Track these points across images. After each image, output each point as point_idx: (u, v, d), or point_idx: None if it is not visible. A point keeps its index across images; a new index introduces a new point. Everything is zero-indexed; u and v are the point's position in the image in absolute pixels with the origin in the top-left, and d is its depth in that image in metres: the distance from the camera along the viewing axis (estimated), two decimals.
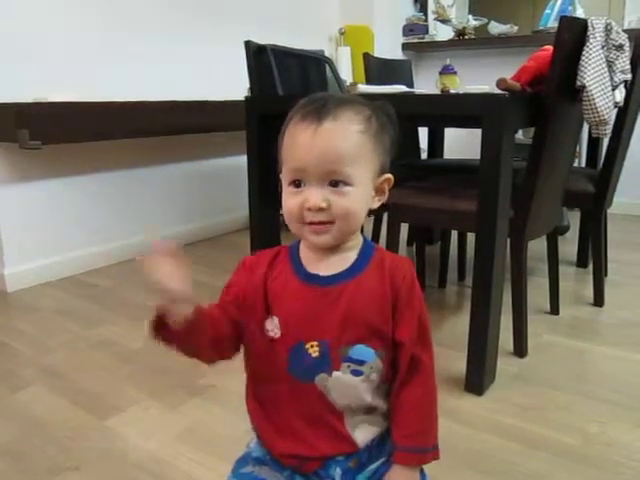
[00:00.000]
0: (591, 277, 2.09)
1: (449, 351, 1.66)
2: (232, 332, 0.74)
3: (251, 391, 0.79)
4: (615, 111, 1.66)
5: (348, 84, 2.82)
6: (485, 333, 1.43)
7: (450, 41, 3.91)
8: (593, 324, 1.95)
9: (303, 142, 0.67)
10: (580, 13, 3.14)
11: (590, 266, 2.20)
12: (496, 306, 1.46)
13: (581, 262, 2.51)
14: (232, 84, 2.63)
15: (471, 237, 1.55)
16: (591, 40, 1.45)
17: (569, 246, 2.67)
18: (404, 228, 1.95)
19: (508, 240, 1.52)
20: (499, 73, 1.53)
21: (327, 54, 3.15)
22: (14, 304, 2.15)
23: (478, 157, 1.37)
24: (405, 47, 4.07)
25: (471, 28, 3.81)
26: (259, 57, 1.99)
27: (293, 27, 3.37)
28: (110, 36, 2.50)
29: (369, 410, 0.73)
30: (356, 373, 0.70)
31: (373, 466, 0.75)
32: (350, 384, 0.71)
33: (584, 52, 1.46)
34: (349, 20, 3.76)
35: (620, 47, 1.52)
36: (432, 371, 0.74)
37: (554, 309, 1.99)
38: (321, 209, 0.66)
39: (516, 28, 3.68)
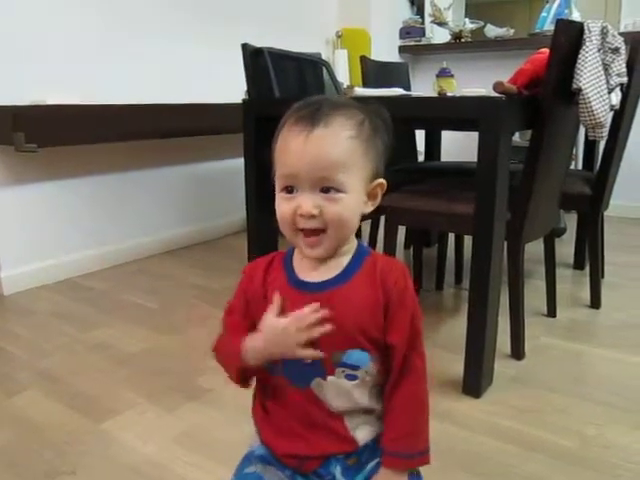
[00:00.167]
0: (588, 279, 2.09)
1: (446, 354, 1.66)
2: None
3: (257, 393, 0.80)
4: (611, 114, 1.66)
5: (345, 87, 2.82)
6: (482, 336, 1.43)
7: (447, 44, 3.91)
8: (590, 326, 1.96)
9: (295, 148, 0.67)
10: (576, 16, 3.15)
11: (587, 268, 2.20)
12: (493, 308, 1.46)
13: (578, 264, 2.52)
14: (230, 87, 2.63)
15: (468, 240, 1.56)
16: (587, 43, 1.46)
17: (566, 248, 2.68)
18: (401, 231, 1.95)
19: (505, 243, 1.52)
20: (496, 76, 1.54)
21: (324, 57, 3.15)
22: (10, 307, 2.14)
23: (475, 160, 1.37)
24: (402, 50, 4.08)
25: (468, 31, 3.81)
26: (256, 60, 1.99)
27: (290, 30, 3.38)
28: (108, 38, 2.50)
29: (367, 411, 0.74)
30: (351, 378, 0.71)
31: (372, 464, 0.75)
32: (345, 388, 0.71)
33: (580, 55, 1.46)
34: (346, 23, 3.76)
35: (616, 50, 1.53)
36: (424, 375, 0.74)
37: (551, 311, 1.99)
38: (313, 216, 0.66)
39: (512, 31, 3.69)
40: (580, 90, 1.45)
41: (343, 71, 3.51)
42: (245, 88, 2.02)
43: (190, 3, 2.86)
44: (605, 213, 2.20)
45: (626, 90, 1.74)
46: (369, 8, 3.80)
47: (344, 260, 0.72)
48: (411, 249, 2.49)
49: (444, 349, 1.70)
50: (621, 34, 1.59)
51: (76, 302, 2.18)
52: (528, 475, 1.17)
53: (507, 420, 1.36)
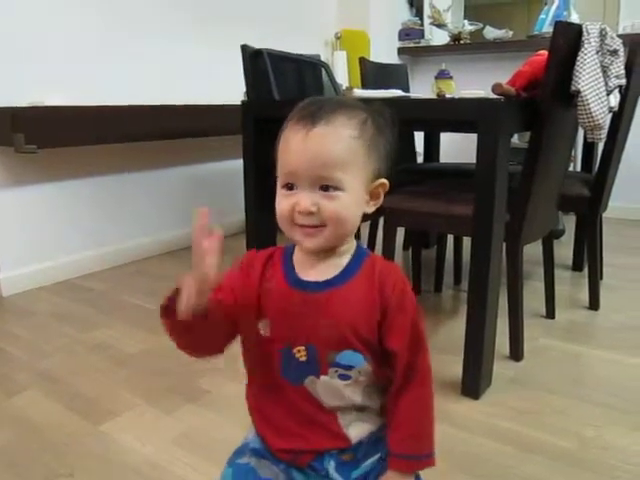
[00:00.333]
0: (586, 281, 2.09)
1: (445, 355, 1.66)
2: (226, 328, 0.75)
3: (249, 388, 0.80)
4: (610, 116, 1.67)
5: (344, 88, 2.82)
6: (481, 337, 1.43)
7: (446, 46, 3.92)
8: (589, 328, 1.96)
9: (295, 146, 0.67)
10: (575, 18, 3.16)
11: (585, 270, 2.20)
12: (492, 310, 1.46)
13: (576, 266, 2.52)
14: (229, 88, 2.64)
15: (467, 241, 1.56)
16: (586, 45, 1.46)
17: (565, 250, 2.68)
18: (400, 232, 1.95)
19: (504, 244, 1.52)
20: (494, 78, 1.54)
21: (323, 58, 3.15)
22: (9, 308, 2.14)
23: (474, 161, 1.38)
24: (401, 52, 4.08)
25: (466, 33, 3.82)
26: (255, 61, 1.99)
27: (289, 31, 3.38)
28: (108, 39, 2.50)
29: (361, 409, 0.74)
30: (344, 377, 0.71)
31: (368, 462, 0.75)
32: (337, 387, 0.72)
33: (579, 57, 1.46)
34: (345, 24, 3.77)
35: (615, 52, 1.53)
36: (428, 377, 0.74)
37: (550, 313, 1.99)
38: (311, 213, 0.66)
39: (511, 33, 3.70)
40: (579, 92, 1.46)
41: (342, 72, 3.52)
42: (244, 89, 2.03)
43: (190, 4, 2.86)
44: (604, 215, 2.20)
45: (625, 92, 1.74)
46: (368, 10, 3.80)
47: (343, 260, 0.72)
48: (410, 250, 2.49)
49: (443, 350, 1.70)
50: (619, 36, 1.60)
51: (75, 303, 2.18)
52: (527, 476, 1.17)
53: (506, 421, 1.37)
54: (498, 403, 1.45)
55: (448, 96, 1.89)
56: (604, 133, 1.57)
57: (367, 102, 0.74)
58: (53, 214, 2.41)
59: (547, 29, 3.32)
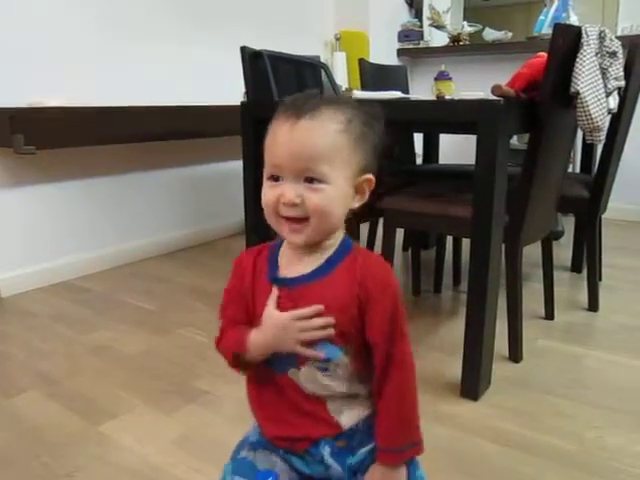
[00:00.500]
0: (585, 282, 2.09)
1: (444, 356, 1.66)
2: None
3: (248, 380, 0.81)
4: (609, 117, 1.67)
5: (343, 90, 2.83)
6: (480, 338, 1.44)
7: (445, 47, 3.92)
8: (588, 329, 1.96)
9: (280, 139, 0.68)
10: (574, 20, 3.16)
11: (584, 271, 2.20)
12: (491, 311, 1.46)
13: (575, 267, 2.52)
14: (228, 89, 2.64)
15: (466, 242, 1.56)
16: (585, 47, 1.46)
17: (564, 251, 2.68)
18: (399, 233, 1.96)
19: (503, 245, 1.52)
20: (494, 79, 1.54)
21: (322, 59, 3.15)
22: (8, 309, 2.14)
23: (473, 162, 1.38)
24: (400, 53, 4.09)
25: (466, 34, 3.82)
26: (255, 62, 1.99)
27: (289, 32, 3.38)
28: (108, 40, 2.50)
29: (350, 396, 0.75)
30: (322, 369, 0.72)
31: (364, 450, 0.76)
32: (318, 378, 0.73)
33: (578, 59, 1.47)
34: (344, 26, 3.77)
35: (614, 54, 1.54)
36: (408, 367, 0.74)
37: (549, 314, 1.99)
38: (295, 204, 0.67)
39: (510, 34, 3.70)
40: (578, 94, 1.46)
41: (342, 74, 3.52)
42: (244, 90, 2.03)
43: (189, 6, 2.86)
44: (603, 216, 2.20)
45: (623, 94, 1.75)
46: (368, 11, 3.80)
47: (325, 255, 0.73)
48: (409, 251, 2.49)
49: (442, 352, 1.70)
50: (618, 37, 1.60)
51: (74, 304, 2.17)
52: (526, 478, 1.17)
53: (505, 423, 1.37)
54: (497, 404, 1.45)
55: (447, 97, 1.89)
56: (603, 135, 1.57)
57: (361, 102, 0.75)
58: (52, 215, 2.41)
59: (546, 31, 3.32)
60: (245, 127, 1.84)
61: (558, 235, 3.01)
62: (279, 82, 2.02)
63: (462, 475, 1.18)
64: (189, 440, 1.30)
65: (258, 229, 1.86)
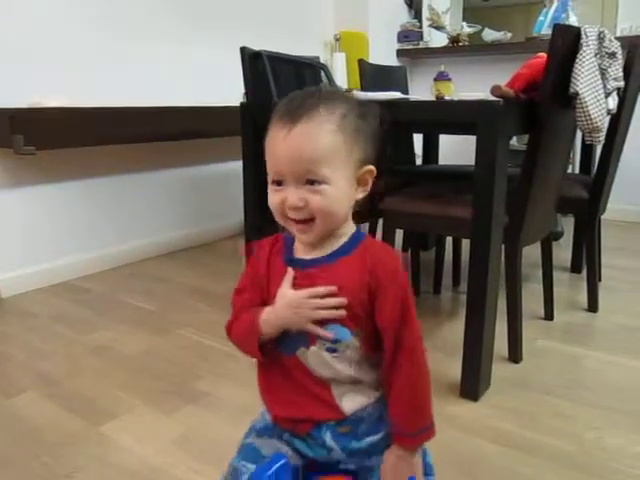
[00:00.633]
0: (585, 283, 2.10)
1: (444, 357, 1.66)
2: None
3: (259, 363, 0.83)
4: (608, 118, 1.67)
5: (343, 90, 2.82)
6: (480, 339, 1.44)
7: (444, 48, 3.93)
8: (587, 329, 1.96)
9: (278, 146, 0.70)
10: (573, 21, 3.16)
11: (584, 272, 2.20)
12: (491, 312, 1.46)
13: (575, 268, 2.52)
14: (228, 90, 2.64)
15: (466, 243, 1.56)
16: (584, 48, 1.47)
17: (563, 252, 2.68)
18: (399, 234, 1.96)
19: (503, 246, 1.52)
20: (493, 80, 1.54)
21: (322, 60, 3.15)
22: (8, 310, 2.14)
23: (473, 163, 1.38)
24: (400, 53, 4.09)
25: (465, 35, 3.83)
26: (254, 63, 1.99)
27: (288, 33, 3.39)
28: (107, 41, 2.50)
29: (354, 381, 0.77)
30: (330, 350, 0.74)
31: (371, 438, 0.78)
32: (326, 359, 0.75)
33: (577, 60, 1.47)
34: (344, 26, 3.77)
35: (613, 55, 1.54)
36: (420, 352, 0.75)
37: (548, 315, 1.99)
38: (299, 207, 0.70)
39: (510, 35, 3.70)
40: (577, 94, 1.46)
41: (341, 74, 3.52)
42: (243, 91, 2.03)
43: (189, 7, 2.86)
44: (602, 217, 2.20)
45: (623, 94, 1.75)
46: (367, 11, 3.80)
47: (339, 242, 0.76)
48: (409, 252, 2.49)
49: (442, 352, 1.70)
50: (618, 38, 1.60)
51: (74, 304, 2.17)
52: (526, 478, 1.17)
53: (505, 423, 1.37)
54: (497, 405, 1.45)
55: (447, 98, 1.90)
56: (602, 135, 1.58)
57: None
58: (52, 215, 2.41)
59: (546, 31, 3.32)
60: (245, 128, 1.84)
61: (558, 236, 3.01)
62: (278, 83, 2.02)
63: (462, 475, 1.18)
64: (189, 440, 1.30)
65: (258, 229, 1.86)
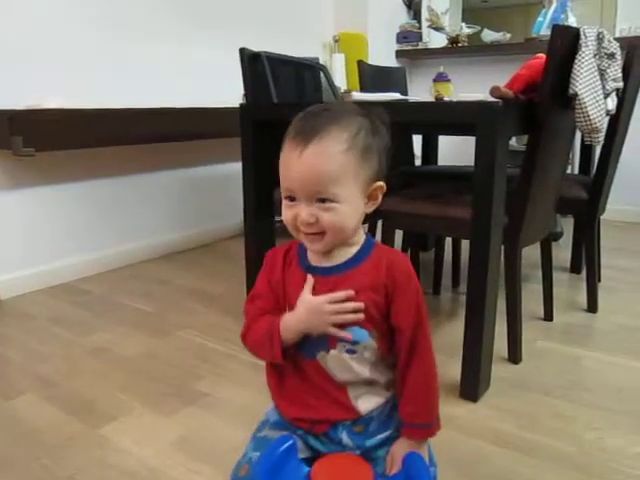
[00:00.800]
0: (584, 283, 2.09)
1: (444, 358, 1.65)
2: None
3: (269, 365, 0.86)
4: (607, 119, 1.67)
5: (342, 91, 2.83)
6: (480, 340, 1.44)
7: (444, 48, 3.93)
8: (587, 330, 1.96)
9: (291, 165, 0.73)
10: (572, 21, 3.17)
11: (584, 272, 2.20)
12: (490, 313, 1.46)
13: (575, 268, 2.52)
14: (227, 91, 2.64)
15: (465, 243, 1.56)
16: (583, 48, 1.47)
17: (563, 252, 2.68)
18: (398, 235, 1.96)
19: (502, 247, 1.52)
20: (492, 80, 1.55)
21: (321, 61, 3.16)
22: (7, 311, 2.13)
23: (472, 164, 1.38)
24: (399, 54, 4.09)
25: (464, 36, 3.83)
26: (254, 64, 1.99)
27: (288, 34, 3.39)
28: (106, 42, 2.50)
29: (370, 383, 0.81)
30: (350, 352, 0.78)
31: (381, 435, 0.82)
32: (345, 361, 0.79)
33: (576, 60, 1.47)
34: (343, 27, 3.77)
35: (612, 55, 1.54)
36: (430, 351, 0.81)
37: (548, 315, 1.99)
38: (310, 224, 0.74)
39: (509, 36, 3.71)
40: (576, 95, 1.46)
41: (340, 75, 3.52)
42: (243, 92, 2.03)
43: (188, 7, 2.86)
44: (601, 217, 2.21)
45: (622, 95, 1.75)
46: (366, 12, 3.81)
47: (352, 250, 0.80)
48: (408, 253, 2.49)
49: (441, 353, 1.68)
50: (617, 39, 1.60)
51: (73, 306, 2.17)
52: (526, 479, 1.17)
53: (504, 424, 1.37)
54: (497, 406, 1.45)
55: (446, 99, 1.90)
56: (602, 136, 1.58)
57: (364, 106, 0.79)
58: (51, 217, 2.41)
59: (545, 32, 3.33)
60: (244, 129, 1.84)
61: (557, 236, 3.01)
62: (278, 84, 2.03)
63: (461, 476, 1.18)
64: (188, 442, 1.30)
65: (257, 231, 1.86)
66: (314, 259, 0.81)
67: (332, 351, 0.78)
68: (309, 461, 0.80)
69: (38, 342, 1.85)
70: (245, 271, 1.91)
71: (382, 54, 3.84)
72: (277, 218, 1.94)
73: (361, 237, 0.81)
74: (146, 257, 2.80)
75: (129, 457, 1.25)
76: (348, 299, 0.76)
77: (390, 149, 0.80)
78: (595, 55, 1.50)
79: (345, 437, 0.81)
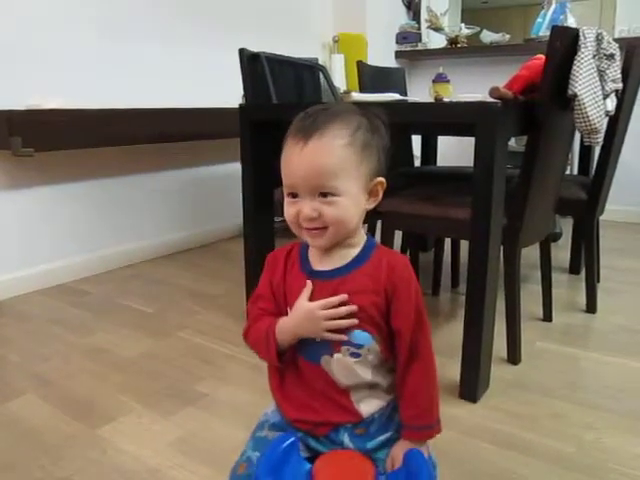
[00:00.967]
0: (584, 284, 2.10)
1: (443, 358, 1.65)
2: None
3: (270, 367, 0.87)
4: (606, 120, 1.67)
5: (342, 92, 2.83)
6: (479, 340, 1.44)
7: (443, 49, 3.93)
8: (586, 331, 1.96)
9: (292, 160, 0.75)
10: (571, 22, 3.17)
11: (583, 273, 2.20)
12: (490, 313, 1.46)
13: (574, 269, 2.52)
14: (227, 91, 2.64)
15: (465, 244, 1.56)
16: (582, 49, 1.47)
17: (562, 253, 2.68)
18: (398, 235, 1.96)
19: (501, 247, 1.52)
20: (491, 81, 1.55)
21: (321, 62, 3.16)
22: (6, 312, 2.13)
23: (471, 164, 1.38)
24: (398, 55, 4.09)
25: (463, 36, 3.83)
26: (253, 65, 1.99)
27: (287, 35, 3.39)
28: (106, 42, 2.50)
29: (371, 386, 0.82)
30: (354, 355, 0.79)
31: (382, 437, 0.83)
32: (349, 365, 0.79)
33: (575, 61, 1.47)
34: (343, 28, 3.77)
35: (611, 56, 1.54)
36: (430, 353, 0.82)
37: (547, 316, 1.99)
38: (313, 218, 0.74)
39: (508, 37, 3.71)
40: (576, 96, 1.46)
41: (340, 76, 3.52)
42: (242, 93, 2.03)
43: (188, 8, 2.86)
44: (600, 218, 2.21)
45: (621, 96, 1.75)
46: (365, 13, 3.81)
47: (353, 252, 0.80)
48: (407, 253, 2.49)
49: (440, 354, 1.68)
50: (616, 40, 1.60)
51: (72, 307, 2.17)
52: (525, 479, 1.17)
53: (504, 425, 1.37)
54: (496, 407, 1.45)
55: (445, 99, 1.90)
56: (601, 137, 1.58)
57: (362, 107, 0.80)
58: (49, 217, 2.41)
59: (544, 33, 3.33)
60: (243, 130, 1.84)
61: (556, 237, 3.01)
62: (277, 84, 2.03)
63: (461, 477, 1.18)
64: (187, 443, 1.30)
65: (257, 231, 1.86)
66: (316, 262, 0.81)
67: (336, 355, 0.79)
68: (310, 460, 0.80)
69: (37, 343, 1.85)
70: (244, 272, 1.91)
71: (381, 55, 3.84)
72: (277, 219, 1.94)
73: (362, 238, 0.81)
74: (146, 257, 2.80)
75: (128, 457, 1.25)
76: (342, 304, 0.76)
77: (389, 149, 0.80)
78: (594, 56, 1.51)
79: (346, 439, 0.82)
